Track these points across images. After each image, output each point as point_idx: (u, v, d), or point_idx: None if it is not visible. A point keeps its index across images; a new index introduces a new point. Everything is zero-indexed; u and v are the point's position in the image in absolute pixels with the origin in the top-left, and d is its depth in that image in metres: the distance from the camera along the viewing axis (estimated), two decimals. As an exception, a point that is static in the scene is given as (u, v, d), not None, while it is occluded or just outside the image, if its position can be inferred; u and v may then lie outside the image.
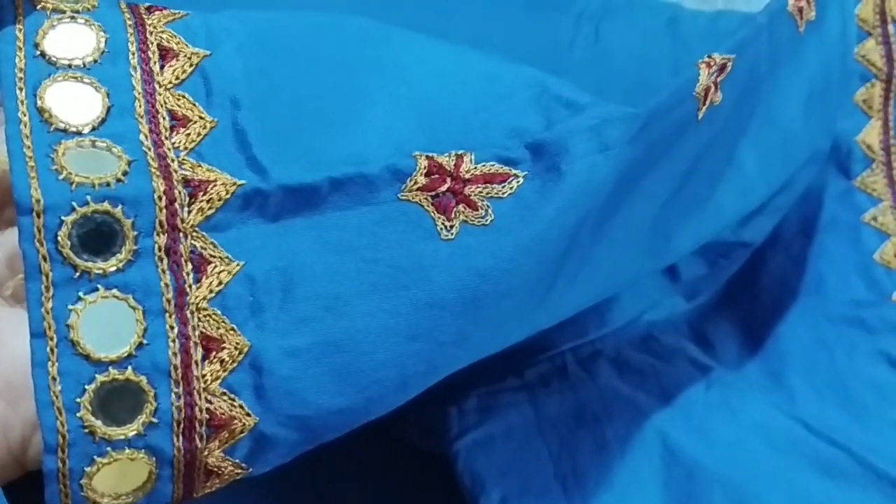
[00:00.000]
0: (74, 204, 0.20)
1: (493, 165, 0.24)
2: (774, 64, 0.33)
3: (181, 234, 0.22)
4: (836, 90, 0.37)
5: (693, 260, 0.39)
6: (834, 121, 0.38)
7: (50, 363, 0.20)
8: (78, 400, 0.21)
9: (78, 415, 0.21)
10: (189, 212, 0.22)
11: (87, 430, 0.21)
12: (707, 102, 0.28)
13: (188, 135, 0.22)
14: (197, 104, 0.23)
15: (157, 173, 0.21)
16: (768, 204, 0.37)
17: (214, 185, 0.22)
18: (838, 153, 0.42)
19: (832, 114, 0.38)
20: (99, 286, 0.21)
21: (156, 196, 0.21)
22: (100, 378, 0.21)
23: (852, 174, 0.42)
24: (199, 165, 0.22)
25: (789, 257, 0.41)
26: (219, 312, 0.22)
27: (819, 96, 0.35)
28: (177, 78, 0.23)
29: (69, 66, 0.22)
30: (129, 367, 0.21)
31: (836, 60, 0.36)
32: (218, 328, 0.22)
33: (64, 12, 0.23)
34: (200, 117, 0.23)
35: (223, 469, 0.23)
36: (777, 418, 0.37)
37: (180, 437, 0.22)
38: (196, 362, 0.22)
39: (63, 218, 0.20)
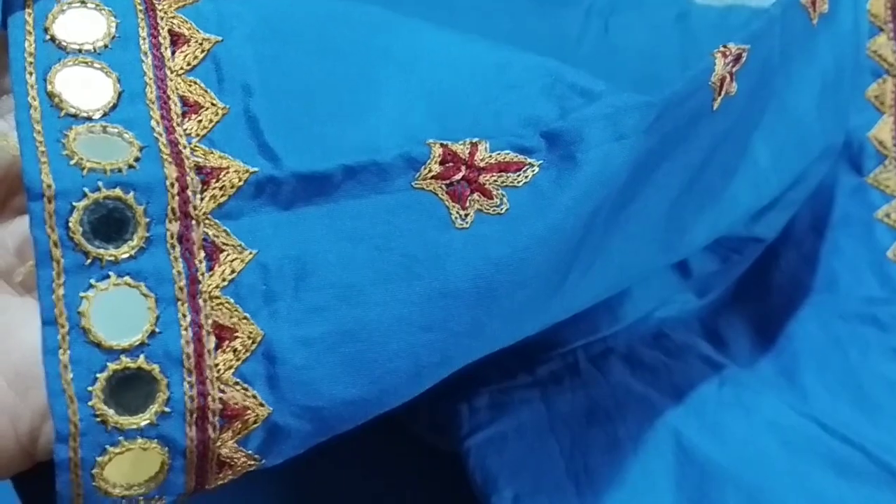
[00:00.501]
0: (86, 189, 0.20)
1: (507, 154, 0.24)
2: (787, 56, 0.32)
3: (194, 222, 0.21)
4: (848, 84, 0.37)
5: (705, 256, 0.39)
6: (847, 115, 0.38)
7: (62, 351, 0.20)
8: (90, 388, 0.20)
9: (90, 403, 0.20)
10: (202, 199, 0.21)
11: (99, 419, 0.20)
12: (723, 92, 0.28)
13: (200, 121, 0.22)
14: (209, 90, 0.22)
15: (169, 160, 0.21)
16: (781, 198, 0.37)
17: (227, 173, 0.22)
18: (850, 149, 0.41)
19: (845, 108, 0.38)
20: (111, 273, 0.21)
21: (168, 183, 0.21)
22: (112, 366, 0.21)
23: (865, 171, 0.41)
24: (212, 152, 0.22)
25: (801, 254, 0.41)
26: (232, 301, 0.22)
27: (832, 90, 0.35)
28: (188, 64, 0.23)
29: (79, 50, 0.22)
30: (142, 356, 0.21)
31: (848, 54, 0.36)
32: (231, 317, 0.22)
33: None
34: (212, 104, 0.22)
35: (236, 460, 0.22)
36: (790, 416, 0.36)
37: (193, 427, 0.21)
38: (209, 351, 0.21)
39: (74, 204, 0.20)
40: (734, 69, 0.28)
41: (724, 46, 0.28)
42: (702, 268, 0.40)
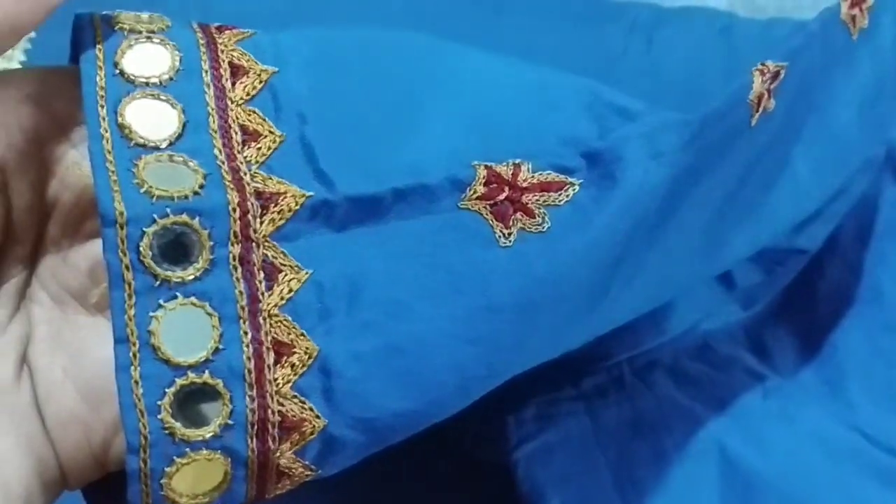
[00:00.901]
0: (155, 216, 0.21)
1: (549, 174, 0.25)
2: (827, 71, 0.33)
3: (254, 244, 0.22)
4: (889, 97, 0.37)
5: (749, 267, 0.39)
6: (887, 128, 0.38)
7: (133, 367, 0.21)
8: (159, 402, 0.22)
9: (159, 417, 0.22)
10: (261, 223, 0.22)
11: (167, 432, 0.22)
12: (760, 109, 0.28)
13: (259, 149, 0.23)
14: (267, 119, 0.24)
15: (231, 186, 0.22)
16: (823, 210, 0.37)
17: (284, 197, 0.23)
18: (894, 160, 0.41)
19: (886, 121, 0.38)
20: (178, 294, 0.22)
21: (230, 208, 0.22)
22: (179, 381, 0.22)
23: (910, 182, 0.41)
24: (270, 178, 0.23)
25: (847, 265, 0.41)
26: (289, 318, 0.23)
27: (872, 103, 0.35)
28: (247, 94, 0.24)
29: (147, 83, 0.23)
30: (207, 371, 0.22)
31: (889, 68, 0.36)
32: (289, 333, 0.23)
33: (140, 32, 0.24)
34: (270, 132, 0.24)
35: (294, 470, 0.23)
36: (835, 428, 0.37)
37: (254, 439, 0.22)
38: (268, 366, 0.22)
39: (145, 229, 0.21)
40: (772, 86, 0.29)
41: (763, 64, 0.28)
42: (746, 280, 0.40)
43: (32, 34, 0.45)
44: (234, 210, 0.22)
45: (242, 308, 0.22)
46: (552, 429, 0.36)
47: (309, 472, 0.24)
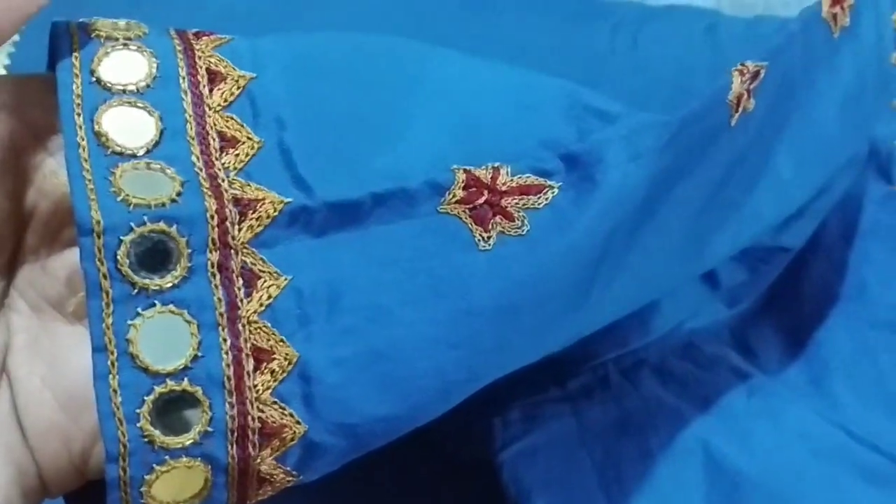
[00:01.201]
0: (132, 224, 0.21)
1: (528, 177, 0.25)
2: (809, 70, 0.33)
3: (232, 251, 0.22)
4: (871, 95, 0.37)
5: (733, 266, 0.39)
6: (870, 125, 0.38)
7: (111, 376, 0.21)
8: (137, 411, 0.22)
9: (138, 425, 0.22)
10: (239, 229, 0.22)
11: (146, 440, 0.22)
12: (740, 109, 0.28)
13: (237, 155, 0.23)
14: (245, 125, 0.24)
15: (209, 193, 0.22)
16: (807, 208, 0.37)
17: (263, 204, 0.23)
18: (878, 158, 0.42)
19: (868, 119, 0.38)
20: (156, 302, 0.22)
21: (208, 215, 0.22)
22: (158, 389, 0.22)
23: (894, 179, 0.42)
24: (248, 185, 0.23)
25: (831, 263, 0.41)
26: (269, 325, 0.23)
27: (854, 102, 0.35)
28: (225, 100, 0.24)
29: (123, 91, 0.23)
30: (186, 379, 0.22)
31: (870, 66, 0.37)
32: (268, 340, 0.23)
33: (117, 39, 0.23)
34: (248, 138, 0.23)
35: (275, 476, 0.23)
36: (820, 425, 0.37)
37: (234, 446, 0.22)
38: (248, 373, 0.22)
39: (122, 238, 0.21)
40: (751, 86, 0.29)
41: (742, 64, 0.28)
42: (731, 278, 0.40)
43: (16, 38, 0.45)
44: (212, 217, 0.22)
45: (221, 315, 0.22)
46: (538, 430, 0.36)
47: (290, 478, 0.24)
